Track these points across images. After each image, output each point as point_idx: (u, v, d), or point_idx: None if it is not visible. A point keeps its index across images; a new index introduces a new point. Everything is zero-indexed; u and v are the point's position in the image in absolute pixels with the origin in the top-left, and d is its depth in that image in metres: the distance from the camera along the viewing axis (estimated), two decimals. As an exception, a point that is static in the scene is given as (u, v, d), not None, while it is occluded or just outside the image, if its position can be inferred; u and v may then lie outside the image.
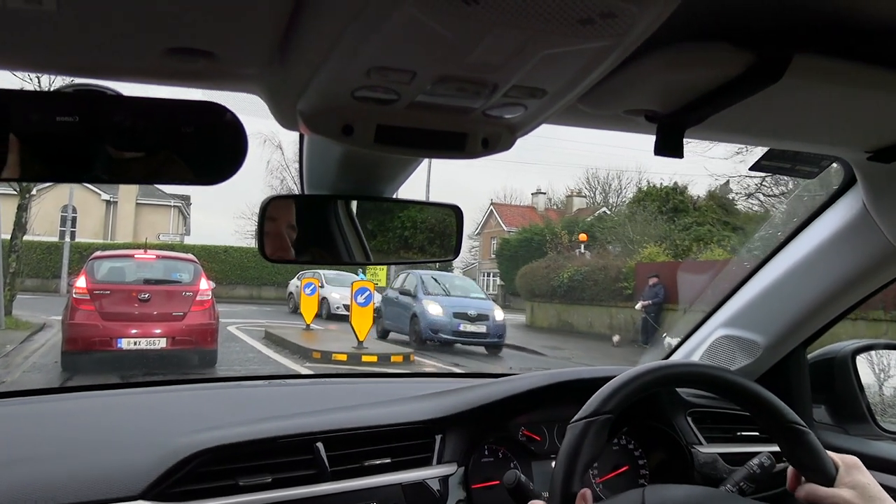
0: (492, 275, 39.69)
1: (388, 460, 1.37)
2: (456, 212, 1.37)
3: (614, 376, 1.13)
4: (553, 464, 1.36)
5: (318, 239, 1.35)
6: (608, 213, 35.98)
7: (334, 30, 0.66)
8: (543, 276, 22.08)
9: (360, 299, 12.77)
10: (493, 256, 39.71)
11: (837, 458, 1.14)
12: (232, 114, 0.86)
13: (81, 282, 9.77)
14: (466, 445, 1.45)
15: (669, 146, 0.99)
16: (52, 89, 0.82)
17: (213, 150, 0.88)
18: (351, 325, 12.55)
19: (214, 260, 25.13)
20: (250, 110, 0.95)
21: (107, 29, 0.70)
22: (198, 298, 10.21)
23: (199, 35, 0.72)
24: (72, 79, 0.83)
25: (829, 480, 1.11)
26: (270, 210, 1.21)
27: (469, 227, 41.37)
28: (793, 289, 1.62)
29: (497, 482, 1.45)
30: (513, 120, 0.88)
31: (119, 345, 9.53)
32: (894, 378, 1.76)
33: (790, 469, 1.16)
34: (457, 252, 1.38)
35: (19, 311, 14.94)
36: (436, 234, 1.42)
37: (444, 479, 1.40)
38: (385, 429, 1.41)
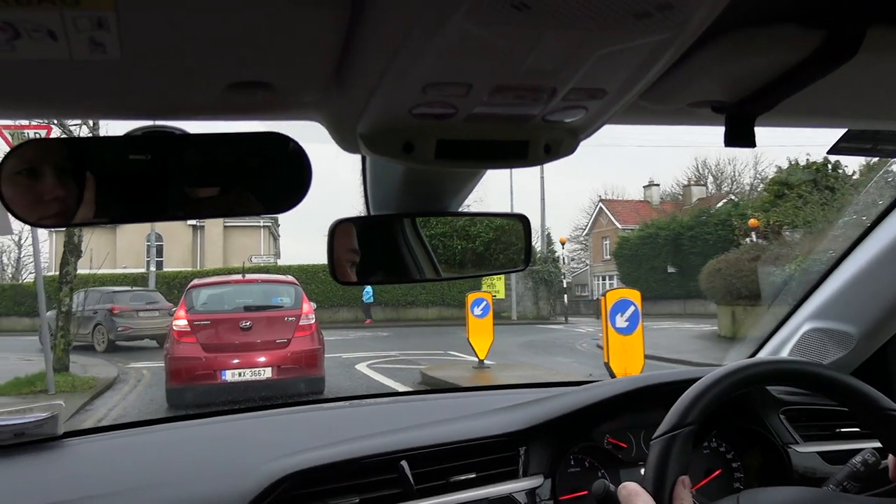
0: (606, 278, 37.43)
1: (473, 475, 1.36)
2: (523, 221, 1.36)
3: (697, 379, 1.09)
4: (642, 471, 1.32)
5: (387, 258, 1.36)
6: (735, 199, 33.90)
7: (387, 50, 0.66)
8: (749, 272, 15.57)
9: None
10: (607, 258, 37.79)
11: None
12: (295, 142, 0.88)
13: (181, 313, 9.51)
14: (552, 456, 1.44)
15: (740, 137, 0.96)
16: (122, 134, 0.85)
17: (279, 179, 0.90)
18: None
19: (314, 281, 23.18)
20: (311, 137, 0.96)
21: (168, 71, 0.72)
22: (301, 323, 9.65)
23: (256, 68, 0.73)
24: (140, 122, 0.85)
25: None
26: (339, 233, 1.22)
27: (564, 229, 39.82)
28: (886, 274, 1.54)
29: (585, 492, 1.43)
30: (574, 123, 0.86)
31: (223, 377, 9.16)
32: None
33: (891, 458, 1.10)
34: (527, 262, 1.37)
35: (89, 359, 13.30)
36: (504, 245, 1.41)
37: (531, 492, 1.38)
38: (469, 443, 1.40)
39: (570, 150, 0.91)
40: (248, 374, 9.22)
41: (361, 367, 11.13)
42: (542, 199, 32.16)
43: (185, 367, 9.09)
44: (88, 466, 1.44)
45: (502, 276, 27.06)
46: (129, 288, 20.12)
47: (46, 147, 0.89)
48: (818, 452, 1.54)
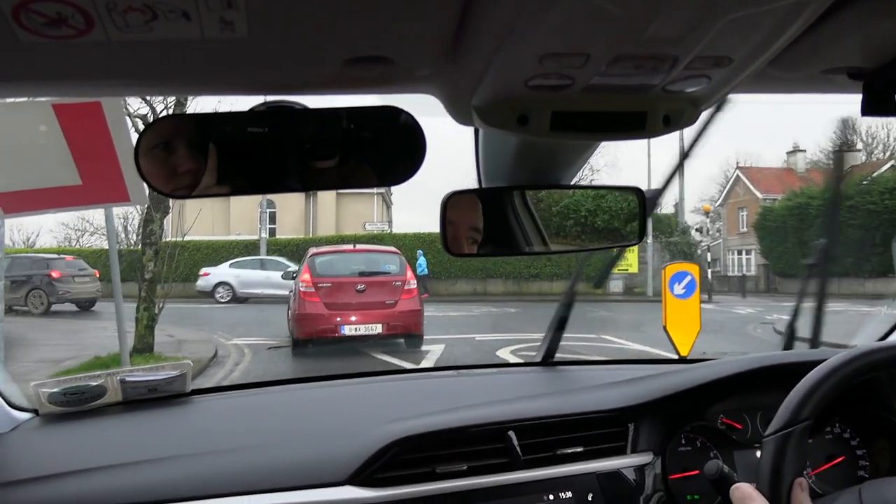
0: (743, 252, 34.29)
1: (580, 449, 1.36)
2: (638, 194, 1.33)
3: (818, 362, 1.03)
4: (757, 453, 1.27)
5: (498, 230, 1.36)
6: None
7: (504, 21, 0.66)
8: None
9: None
10: (743, 230, 34.93)
11: None
12: (409, 115, 0.88)
13: (306, 276, 11.08)
14: (662, 434, 1.41)
15: (880, 105, 0.89)
16: (246, 110, 0.88)
17: (393, 152, 0.91)
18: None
19: (430, 250, 23.07)
20: (426, 111, 0.98)
21: (291, 48, 0.74)
22: (406, 287, 11.29)
23: (375, 43, 0.74)
24: (263, 97, 0.89)
25: None
26: (451, 205, 1.23)
27: (690, 200, 37.38)
28: None
29: (696, 472, 1.39)
30: (696, 93, 0.83)
31: (342, 331, 10.77)
32: None
33: None
34: (641, 235, 1.33)
35: (189, 330, 12.63)
36: (618, 218, 1.39)
37: (639, 469, 1.37)
38: (576, 417, 1.40)
39: (692, 120, 0.88)
40: (362, 330, 10.83)
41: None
42: (682, 163, 30.43)
43: (310, 323, 10.76)
44: (213, 423, 1.53)
45: (635, 249, 25.84)
46: (59, 256, 20.87)
47: (180, 122, 0.93)
48: None
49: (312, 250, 12.22)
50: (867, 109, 0.90)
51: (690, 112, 0.87)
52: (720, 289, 28.02)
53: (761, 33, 0.69)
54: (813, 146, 40.40)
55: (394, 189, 34.99)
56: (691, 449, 1.44)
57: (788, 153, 40.29)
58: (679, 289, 8.27)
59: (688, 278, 8.26)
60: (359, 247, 13.18)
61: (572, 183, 1.32)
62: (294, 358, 10.43)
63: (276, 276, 21.88)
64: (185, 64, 0.77)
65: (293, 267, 20.75)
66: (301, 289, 11.04)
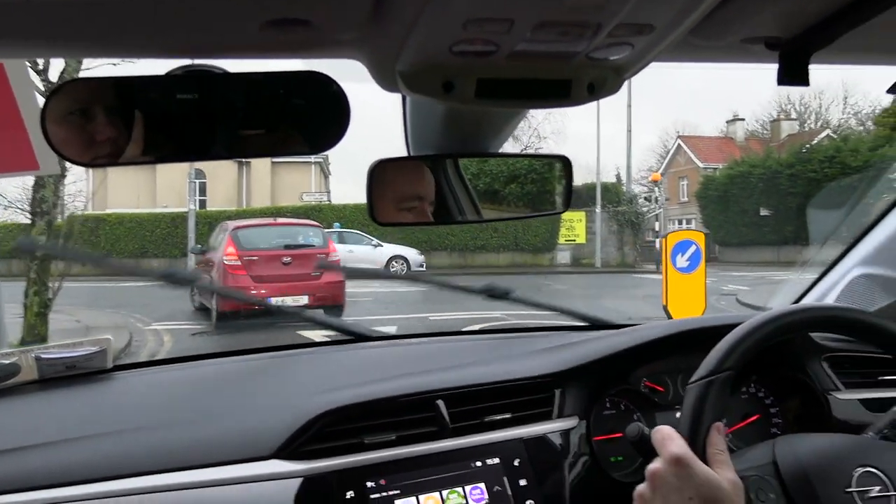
0: (683, 221, 34.38)
1: (508, 415, 1.38)
2: (564, 162, 1.35)
3: (738, 324, 1.07)
4: (677, 414, 1.32)
5: (428, 199, 1.37)
6: (833, 135, 30.63)
7: None
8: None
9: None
10: (684, 200, 35.22)
11: None
12: (333, 81, 0.87)
13: (231, 249, 11.28)
14: (587, 399, 1.44)
15: (794, 74, 0.92)
16: (163, 73, 0.85)
17: (318, 118, 0.90)
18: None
19: (370, 221, 22.58)
20: (351, 76, 0.97)
21: (203, 7, 0.71)
22: (330, 259, 11.91)
23: (293, 4, 0.72)
24: (179, 61, 0.86)
25: None
26: (378, 173, 1.22)
27: (635, 169, 37.42)
28: None
29: (619, 434, 1.43)
30: (619, 61, 0.84)
31: (269, 303, 10.94)
32: None
33: None
34: (567, 203, 1.35)
35: (103, 314, 11.54)
36: (546, 186, 1.40)
37: (565, 433, 1.39)
38: (505, 384, 1.41)
39: (615, 89, 0.89)
40: (289, 301, 11.01)
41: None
42: (629, 131, 29.69)
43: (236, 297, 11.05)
44: (137, 398, 1.48)
45: (583, 219, 25.67)
46: None
47: (96, 86, 0.87)
48: (859, 400, 1.52)
49: (233, 224, 12.52)
50: (783, 78, 0.92)
51: (614, 80, 0.88)
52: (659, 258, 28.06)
53: (682, 1, 0.70)
54: (750, 115, 41.18)
55: (332, 159, 34.20)
56: (615, 412, 1.48)
57: (728, 122, 40.89)
58: (682, 261, 7.24)
59: (692, 248, 7.18)
60: (280, 220, 13.67)
61: (501, 151, 1.32)
62: (220, 339, 10.22)
63: (360, 249, 21.67)
64: (93, 24, 0.74)
65: (374, 241, 21.52)
66: (226, 262, 11.20)
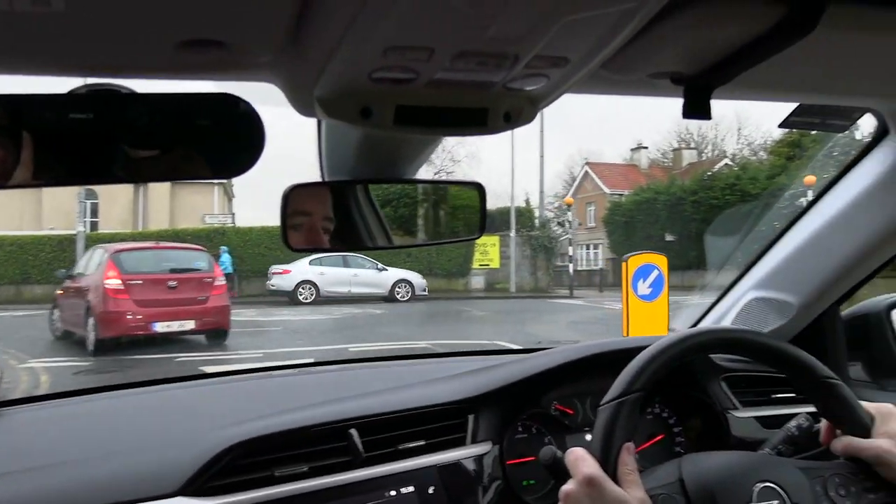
0: (591, 246, 34.79)
1: (422, 442, 1.37)
2: (479, 189, 1.36)
3: (645, 346, 1.10)
4: (587, 436, 1.35)
5: (342, 225, 1.35)
6: (731, 163, 32.05)
7: (347, 10, 0.65)
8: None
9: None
10: (591, 225, 35.47)
11: (872, 409, 1.12)
12: (247, 104, 0.85)
13: (112, 273, 11.07)
14: (500, 423, 1.45)
15: (697, 108, 0.97)
16: (65, 92, 0.80)
17: (230, 142, 0.87)
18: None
19: (278, 246, 20.82)
20: (267, 100, 0.95)
21: (117, 27, 0.69)
22: (216, 283, 11.83)
23: (208, 26, 0.70)
24: (84, 80, 0.82)
25: (866, 431, 1.09)
26: (292, 198, 1.19)
27: (536, 197, 37.79)
28: (826, 246, 1.59)
29: (532, 458, 1.44)
30: (535, 91, 0.86)
31: (154, 328, 10.93)
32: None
33: (823, 423, 1.14)
34: (481, 230, 1.36)
35: None
36: (459, 213, 1.41)
37: (478, 459, 1.40)
38: (418, 411, 1.41)
39: (530, 118, 0.91)
40: (175, 326, 11.17)
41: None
42: (542, 156, 29.98)
43: (119, 321, 10.75)
44: (24, 437, 1.39)
45: (497, 243, 25.49)
46: None
47: None
48: (755, 417, 1.59)
49: (113, 247, 12.34)
50: (687, 112, 0.97)
51: (529, 110, 0.90)
52: (568, 282, 28.11)
53: (595, 36, 0.73)
54: (652, 144, 43.03)
55: (236, 181, 33.00)
56: (528, 436, 1.49)
57: (632, 150, 42.23)
58: (644, 288, 6.79)
59: (654, 273, 6.68)
60: (162, 244, 13.86)
61: (416, 177, 1.33)
62: (110, 377, 9.36)
63: (363, 273, 20.99)
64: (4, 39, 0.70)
65: (378, 265, 20.79)
66: (108, 286, 10.91)
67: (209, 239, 23.33)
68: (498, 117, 0.89)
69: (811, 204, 1.61)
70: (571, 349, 1.59)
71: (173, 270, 11.63)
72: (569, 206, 31.54)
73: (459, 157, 40.28)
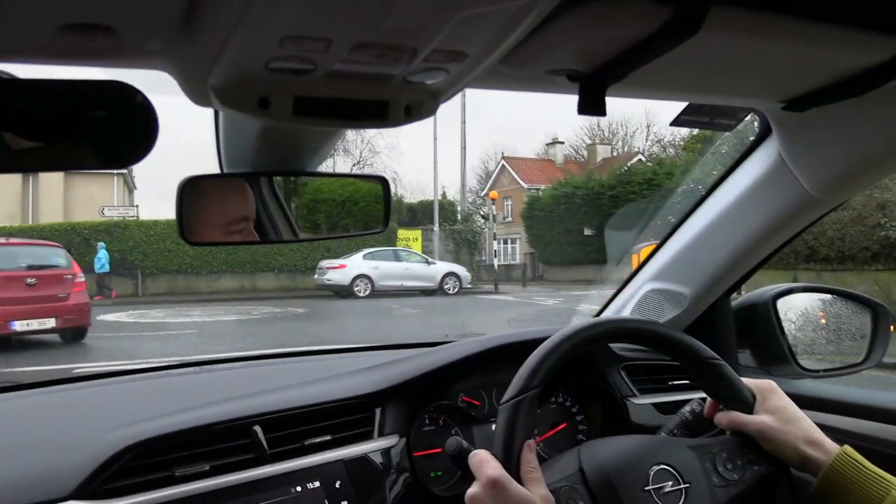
0: (508, 241, 34.45)
1: (328, 437, 1.36)
2: (383, 183, 1.36)
3: (547, 337, 1.13)
4: (493, 427, 1.38)
5: (242, 218, 1.33)
6: (644, 160, 32.63)
7: None
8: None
9: None
10: (509, 220, 35.25)
11: (753, 385, 1.19)
12: (139, 92, 0.81)
13: None
14: (407, 416, 1.46)
15: (592, 105, 1.00)
16: None
17: (121, 132, 0.84)
18: None
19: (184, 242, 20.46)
20: (161, 87, 0.92)
21: None
22: (76, 280, 11.54)
23: (94, 9, 0.67)
24: None
25: (749, 407, 1.16)
26: (189, 191, 1.16)
27: (451, 191, 37.97)
28: (716, 239, 1.66)
29: (439, 450, 1.46)
30: (435, 85, 0.87)
31: (13, 327, 10.62)
32: (812, 318, 1.82)
33: (709, 400, 1.21)
34: (385, 224, 1.37)
35: None
36: (364, 206, 1.41)
37: (385, 452, 1.40)
38: (323, 406, 1.39)
39: (431, 112, 0.92)
40: (35, 324, 10.87)
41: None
42: (463, 150, 30.16)
43: None
44: None
45: (419, 237, 25.84)
46: None
47: None
48: (653, 404, 1.66)
49: None
50: (582, 109, 1.00)
51: (430, 103, 0.91)
52: (487, 277, 28.13)
53: (492, 32, 0.74)
54: (565, 140, 43.72)
55: (138, 172, 31.36)
56: (434, 428, 1.51)
57: (548, 145, 42.55)
58: None
59: None
60: (13, 240, 13.22)
61: (319, 170, 1.32)
62: None
63: (415, 267, 20.89)
64: None
65: (427, 258, 21.02)
66: None
67: (109, 233, 22.33)
68: (398, 110, 0.89)
69: (702, 200, 1.68)
70: (477, 341, 1.61)
71: (31, 267, 11.24)
72: (493, 200, 31.67)
73: (379, 149, 40.01)
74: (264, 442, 1.28)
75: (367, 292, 20.67)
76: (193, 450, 1.24)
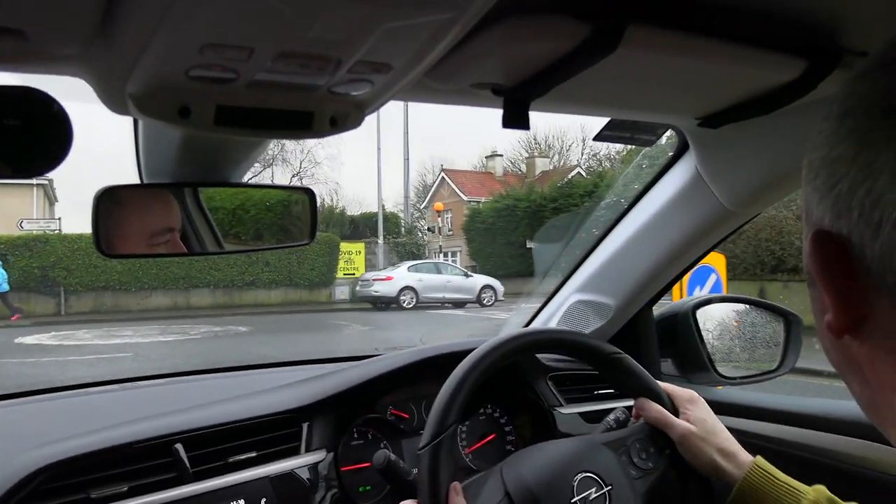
0: (449, 254, 33.81)
1: (253, 454, 1.33)
2: (309, 195, 1.35)
3: (472, 349, 1.13)
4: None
5: (163, 230, 1.30)
6: (583, 173, 33.09)
7: (158, 3, 0.62)
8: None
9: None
10: (449, 232, 34.87)
11: (675, 393, 1.23)
12: (50, 98, 0.79)
13: None
14: (335, 430, 1.44)
15: (516, 119, 1.02)
16: None
17: (31, 139, 0.81)
18: None
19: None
20: (77, 94, 0.89)
21: None
22: None
23: (3, 12, 0.64)
24: None
25: (660, 400, 1.20)
26: (106, 201, 1.13)
27: (389, 203, 37.56)
28: (638, 251, 1.70)
29: (368, 464, 1.45)
30: (360, 97, 0.86)
31: None
32: (729, 327, 1.89)
33: (636, 402, 1.23)
34: (312, 236, 1.35)
35: None
36: (289, 219, 1.40)
37: (313, 467, 1.38)
38: (249, 422, 1.37)
39: (356, 123, 0.91)
40: None
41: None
42: (406, 161, 29.94)
43: None
44: None
45: (362, 251, 25.39)
46: None
47: None
48: (579, 413, 1.68)
49: None
50: (506, 122, 1.02)
51: (356, 115, 0.90)
52: None
53: (416, 44, 0.74)
54: (503, 152, 44.18)
55: (60, 183, 29.67)
56: (363, 442, 1.50)
57: (487, 157, 42.56)
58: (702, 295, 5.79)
59: (712, 278, 5.78)
60: None
61: (243, 181, 1.30)
62: None
63: (455, 279, 21.26)
64: None
65: (466, 272, 21.79)
66: None
67: (28, 248, 21.14)
68: (324, 121, 0.88)
69: (625, 213, 1.73)
70: (405, 354, 1.61)
71: None
72: (439, 212, 31.70)
73: (320, 159, 39.63)
74: (186, 460, 1.25)
75: (413, 304, 21.10)
76: (111, 470, 1.20)
